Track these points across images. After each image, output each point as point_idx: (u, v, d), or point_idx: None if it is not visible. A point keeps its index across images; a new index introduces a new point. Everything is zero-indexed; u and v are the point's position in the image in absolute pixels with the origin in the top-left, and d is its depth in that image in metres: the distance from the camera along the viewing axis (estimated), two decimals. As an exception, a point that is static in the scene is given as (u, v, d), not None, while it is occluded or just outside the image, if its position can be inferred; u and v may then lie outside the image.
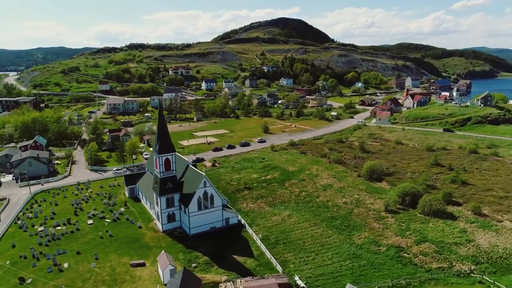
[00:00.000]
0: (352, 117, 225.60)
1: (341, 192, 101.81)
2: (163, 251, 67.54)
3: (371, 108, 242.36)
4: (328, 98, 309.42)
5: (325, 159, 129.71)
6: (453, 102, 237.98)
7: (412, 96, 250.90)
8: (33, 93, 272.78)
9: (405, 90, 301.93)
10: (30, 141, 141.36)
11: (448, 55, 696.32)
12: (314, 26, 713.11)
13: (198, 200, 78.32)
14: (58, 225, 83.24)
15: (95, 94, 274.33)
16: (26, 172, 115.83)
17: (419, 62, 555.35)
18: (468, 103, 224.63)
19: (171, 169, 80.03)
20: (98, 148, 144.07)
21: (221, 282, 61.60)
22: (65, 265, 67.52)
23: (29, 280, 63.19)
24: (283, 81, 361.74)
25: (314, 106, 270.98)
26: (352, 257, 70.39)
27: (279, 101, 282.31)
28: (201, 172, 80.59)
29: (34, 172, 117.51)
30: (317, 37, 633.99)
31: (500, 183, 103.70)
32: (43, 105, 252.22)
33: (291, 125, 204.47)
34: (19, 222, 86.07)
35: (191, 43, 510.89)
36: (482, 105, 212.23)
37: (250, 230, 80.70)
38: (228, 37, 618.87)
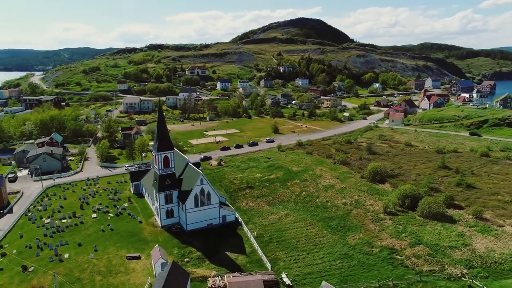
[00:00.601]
0: (365, 118, 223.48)
1: (342, 193, 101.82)
2: (156, 245, 69.86)
3: (386, 109, 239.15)
4: (343, 99, 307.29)
5: (330, 160, 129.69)
6: (471, 104, 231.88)
7: (429, 97, 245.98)
8: (55, 92, 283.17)
9: (422, 91, 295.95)
10: (47, 138, 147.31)
11: (473, 55, 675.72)
12: (334, 26, 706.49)
13: (195, 197, 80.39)
14: (64, 218, 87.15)
15: (113, 93, 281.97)
16: (40, 167, 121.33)
17: (441, 62, 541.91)
18: (487, 105, 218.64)
19: (170, 166, 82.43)
20: (110, 145, 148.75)
21: (210, 277, 63.29)
22: (66, 255, 70.89)
23: (31, 269, 66.80)
24: (299, 82, 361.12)
25: (328, 107, 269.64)
26: (343, 257, 70.72)
27: (293, 102, 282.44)
28: (199, 170, 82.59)
29: (48, 168, 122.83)
30: (336, 37, 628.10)
31: (507, 187, 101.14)
32: (64, 103, 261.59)
33: (302, 125, 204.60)
34: (29, 214, 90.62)
35: (209, 43, 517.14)
36: (501, 107, 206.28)
37: (245, 228, 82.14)
38: (246, 37, 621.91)
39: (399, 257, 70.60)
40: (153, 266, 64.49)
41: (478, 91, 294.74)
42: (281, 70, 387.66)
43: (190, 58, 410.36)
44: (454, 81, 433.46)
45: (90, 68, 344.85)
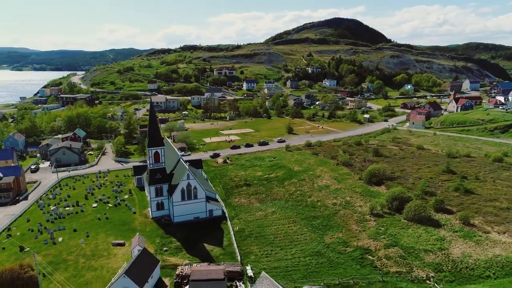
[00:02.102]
0: (386, 120, 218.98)
1: (335, 194, 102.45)
2: (138, 233, 75.22)
3: (410, 111, 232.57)
4: (370, 101, 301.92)
5: (334, 161, 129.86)
6: (501, 107, 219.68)
7: (457, 100, 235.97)
8: (90, 91, 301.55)
9: (452, 93, 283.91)
10: (71, 133, 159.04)
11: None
12: (370, 26, 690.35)
13: (182, 191, 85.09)
14: (68, 206, 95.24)
15: (142, 92, 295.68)
16: (60, 160, 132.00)
17: (483, 63, 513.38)
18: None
19: (160, 161, 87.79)
20: (128, 142, 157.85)
21: (180, 265, 67.46)
22: (60, 239, 78.12)
23: (27, 249, 74.48)
24: (326, 82, 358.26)
25: (351, 108, 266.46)
26: (314, 254, 72.31)
27: (317, 103, 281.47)
28: (186, 166, 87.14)
29: (66, 160, 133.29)
30: (372, 38, 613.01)
31: (510, 194, 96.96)
32: (98, 102, 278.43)
33: (318, 126, 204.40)
34: (40, 201, 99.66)
35: (241, 44, 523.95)
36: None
37: (229, 223, 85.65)
38: (280, 38, 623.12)
39: (371, 257, 71.09)
40: (131, 252, 69.74)
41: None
42: (309, 71, 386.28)
43: (220, 59, 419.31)
44: (495, 83, 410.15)
45: (124, 68, 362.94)
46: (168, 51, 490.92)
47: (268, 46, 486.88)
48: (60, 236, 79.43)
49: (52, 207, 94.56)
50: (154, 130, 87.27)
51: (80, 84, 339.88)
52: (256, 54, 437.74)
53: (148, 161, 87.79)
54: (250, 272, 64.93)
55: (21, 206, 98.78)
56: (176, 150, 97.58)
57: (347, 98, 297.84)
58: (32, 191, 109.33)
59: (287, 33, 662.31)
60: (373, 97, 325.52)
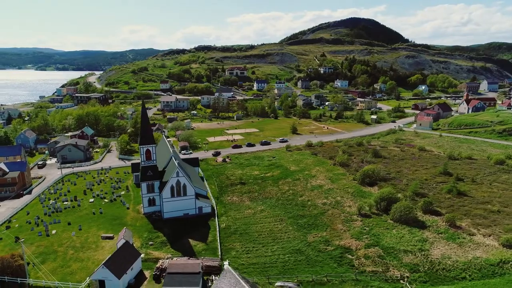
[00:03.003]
0: (394, 121, 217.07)
1: (327, 193, 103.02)
2: (125, 227, 78.13)
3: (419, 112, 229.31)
4: (381, 101, 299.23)
5: (331, 161, 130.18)
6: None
7: (468, 101, 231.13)
8: (105, 90, 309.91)
9: (465, 94, 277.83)
10: (79, 131, 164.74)
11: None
12: (388, 26, 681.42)
13: (171, 188, 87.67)
14: (66, 201, 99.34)
15: (154, 92, 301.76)
16: (66, 157, 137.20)
17: (503, 63, 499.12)
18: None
19: (152, 159, 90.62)
20: (133, 140, 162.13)
21: (162, 259, 69.89)
22: (53, 231, 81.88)
23: (22, 240, 78.27)
24: (338, 83, 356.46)
25: (361, 109, 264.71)
26: (294, 252, 73.43)
27: (326, 103, 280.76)
28: (176, 164, 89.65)
29: (72, 157, 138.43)
30: (389, 38, 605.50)
31: (504, 197, 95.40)
32: (111, 101, 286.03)
33: (324, 127, 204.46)
34: (42, 196, 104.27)
35: (255, 44, 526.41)
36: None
37: (216, 219, 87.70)
38: (295, 38, 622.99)
39: (350, 256, 71.73)
40: (116, 245, 72.57)
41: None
42: (321, 71, 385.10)
43: (233, 59, 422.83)
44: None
45: (139, 68, 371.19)
46: (183, 51, 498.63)
47: (282, 47, 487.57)
48: (54, 229, 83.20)
49: (51, 201, 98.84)
50: (146, 129, 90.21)
51: (95, 83, 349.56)
52: (269, 54, 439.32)
53: (140, 159, 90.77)
54: (226, 267, 66.54)
55: (24, 200, 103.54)
56: (170, 148, 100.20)
57: (357, 99, 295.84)
58: (36, 185, 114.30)
59: (302, 33, 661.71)
60: (385, 98, 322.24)
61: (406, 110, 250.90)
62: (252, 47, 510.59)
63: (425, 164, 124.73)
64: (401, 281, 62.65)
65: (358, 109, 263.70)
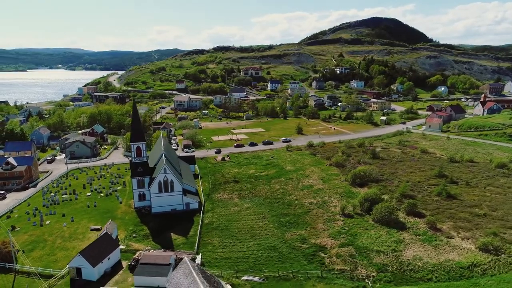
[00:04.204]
0: (404, 123, 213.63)
1: (315, 193, 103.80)
2: (110, 219, 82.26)
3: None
4: (397, 103, 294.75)
5: (328, 161, 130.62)
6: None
7: (484, 103, 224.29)
8: (122, 90, 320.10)
9: (482, 95, 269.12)
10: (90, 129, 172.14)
11: None
12: (411, 26, 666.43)
13: (159, 184, 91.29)
14: (65, 194, 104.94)
15: (169, 92, 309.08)
16: (74, 152, 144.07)
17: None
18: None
19: (142, 155, 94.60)
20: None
21: (140, 250, 73.39)
22: (47, 222, 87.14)
23: (18, 229, 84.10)
24: (353, 83, 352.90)
25: (374, 110, 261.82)
26: (268, 248, 75.18)
27: (339, 104, 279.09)
28: (163, 161, 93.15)
29: (80, 153, 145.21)
30: (412, 37, 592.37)
31: (495, 201, 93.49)
32: (128, 100, 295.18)
33: (330, 127, 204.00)
34: (45, 189, 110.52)
35: (273, 45, 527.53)
36: None
37: (201, 215, 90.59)
38: (315, 38, 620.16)
39: (323, 254, 72.84)
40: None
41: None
42: (338, 72, 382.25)
43: (250, 60, 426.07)
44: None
45: (157, 68, 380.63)
46: (201, 52, 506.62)
47: (300, 47, 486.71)
48: (48, 220, 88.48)
49: (51, 194, 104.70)
50: (137, 127, 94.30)
51: (114, 82, 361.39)
52: (285, 54, 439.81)
53: (132, 155, 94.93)
54: (198, 260, 69.39)
55: (29, 192, 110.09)
56: (162, 146, 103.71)
57: (371, 100, 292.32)
58: (42, 179, 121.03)
59: (322, 33, 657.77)
60: (401, 99, 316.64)
61: (421, 112, 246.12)
62: (270, 47, 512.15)
63: (423, 166, 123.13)
64: (366, 280, 63.31)
65: (372, 110, 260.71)
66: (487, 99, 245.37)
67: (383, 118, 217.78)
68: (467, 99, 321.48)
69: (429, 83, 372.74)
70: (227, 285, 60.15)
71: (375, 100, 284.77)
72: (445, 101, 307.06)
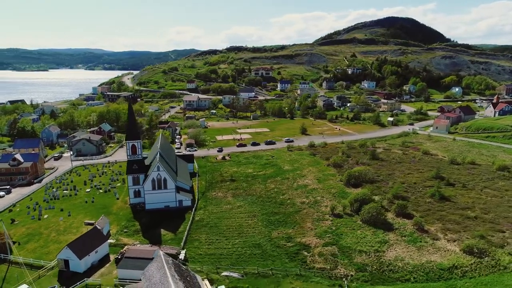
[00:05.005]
0: (411, 124, 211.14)
1: (309, 193, 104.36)
2: (102, 215, 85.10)
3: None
4: (408, 103, 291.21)
5: (326, 162, 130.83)
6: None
7: (495, 104, 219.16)
8: (135, 89, 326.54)
9: (495, 97, 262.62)
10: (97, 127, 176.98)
11: None
12: (427, 25, 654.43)
13: (152, 181, 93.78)
14: (66, 190, 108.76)
15: (179, 91, 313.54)
16: (81, 150, 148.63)
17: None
18: None
19: (137, 153, 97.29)
20: (146, 137, 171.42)
21: (128, 245, 75.82)
22: (45, 216, 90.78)
23: (17, 222, 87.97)
24: (365, 84, 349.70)
25: (383, 111, 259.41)
26: (253, 246, 76.41)
27: (348, 104, 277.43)
28: (157, 159, 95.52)
29: (86, 151, 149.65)
30: (428, 37, 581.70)
31: (489, 203, 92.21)
32: (140, 99, 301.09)
33: (336, 128, 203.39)
34: (48, 184, 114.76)
35: (286, 45, 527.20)
36: None
37: (193, 212, 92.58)
38: (329, 38, 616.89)
39: (306, 253, 73.59)
40: (92, 231, 79.55)
41: None
42: (349, 72, 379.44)
43: (261, 60, 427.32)
44: None
45: (169, 68, 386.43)
46: (214, 52, 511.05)
47: (312, 47, 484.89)
48: (47, 214, 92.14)
49: (53, 189, 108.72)
50: (132, 126, 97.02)
51: (128, 81, 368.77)
52: (297, 55, 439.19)
53: (126, 153, 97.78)
54: (182, 256, 71.28)
55: (33, 187, 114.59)
56: (158, 145, 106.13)
57: (381, 100, 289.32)
58: (47, 175, 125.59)
59: (337, 33, 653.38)
60: (412, 99, 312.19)
61: (431, 113, 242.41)
62: (283, 47, 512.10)
63: (422, 168, 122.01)
64: (343, 279, 63.84)
65: (380, 111, 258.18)
66: (501, 100, 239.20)
67: (390, 119, 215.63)
68: (482, 100, 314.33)
69: (443, 84, 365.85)
70: (205, 280, 61.73)
71: (385, 101, 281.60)
72: (459, 102, 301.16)
